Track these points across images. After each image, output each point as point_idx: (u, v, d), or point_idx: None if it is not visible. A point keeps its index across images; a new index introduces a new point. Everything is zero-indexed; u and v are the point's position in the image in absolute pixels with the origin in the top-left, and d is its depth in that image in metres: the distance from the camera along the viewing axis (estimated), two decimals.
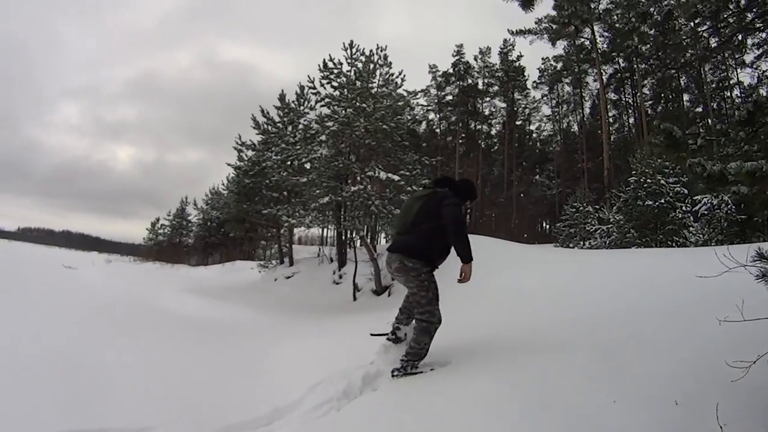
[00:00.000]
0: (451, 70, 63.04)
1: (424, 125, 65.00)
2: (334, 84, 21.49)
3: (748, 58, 50.32)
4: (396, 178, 18.66)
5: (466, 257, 5.85)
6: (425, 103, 64.09)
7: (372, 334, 7.20)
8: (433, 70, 63.51)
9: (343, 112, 19.83)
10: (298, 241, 64.08)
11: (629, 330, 6.03)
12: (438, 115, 65.50)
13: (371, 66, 21.63)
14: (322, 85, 21.79)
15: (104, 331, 9.57)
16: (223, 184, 46.66)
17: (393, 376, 5.99)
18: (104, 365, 7.25)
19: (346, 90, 20.99)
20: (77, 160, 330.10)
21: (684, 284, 7.96)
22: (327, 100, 21.26)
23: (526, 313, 9.07)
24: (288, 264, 27.11)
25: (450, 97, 64.15)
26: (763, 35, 49.25)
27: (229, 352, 9.52)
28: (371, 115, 19.85)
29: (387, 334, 6.75)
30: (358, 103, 19.97)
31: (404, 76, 22.17)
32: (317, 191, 19.72)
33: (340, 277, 21.40)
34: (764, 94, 27.85)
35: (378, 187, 19.41)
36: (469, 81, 63.50)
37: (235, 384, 7.36)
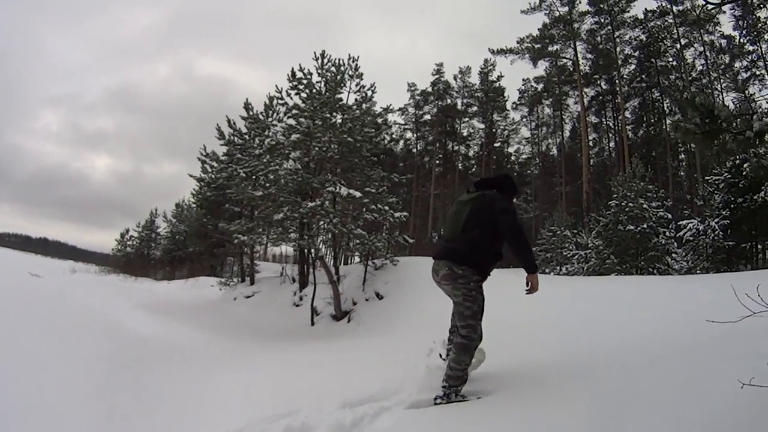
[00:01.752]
0: (429, 89, 62.41)
1: (401, 144, 65.19)
2: (303, 95, 20.25)
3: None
4: (357, 194, 17.52)
5: (531, 267, 5.56)
6: (402, 122, 64.09)
7: (442, 358, 6.38)
8: (412, 88, 62.89)
9: (306, 122, 18.63)
10: (272, 259, 63.07)
11: (629, 377, 5.03)
12: (415, 135, 65.07)
13: (341, 76, 20.59)
14: (288, 95, 20.69)
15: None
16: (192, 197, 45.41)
17: (436, 404, 5.50)
18: None
19: (313, 100, 19.79)
20: (56, 167, 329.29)
21: (688, 317, 7.43)
22: (294, 111, 20.01)
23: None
24: (249, 283, 25.67)
25: (428, 117, 63.70)
26: (752, 57, 50.37)
27: (155, 381, 8.53)
28: (337, 127, 18.99)
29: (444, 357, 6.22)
30: (324, 114, 19.04)
31: (375, 87, 21.23)
32: (272, 206, 18.41)
33: (301, 299, 20.25)
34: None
35: (352, 205, 18.46)
36: (448, 101, 62.90)
37: (140, 422, 6.54)
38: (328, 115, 19.07)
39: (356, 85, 21.00)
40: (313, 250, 19.55)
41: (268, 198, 18.53)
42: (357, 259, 19.68)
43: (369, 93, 21.09)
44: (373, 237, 19.14)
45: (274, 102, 22.45)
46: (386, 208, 18.21)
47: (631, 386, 4.63)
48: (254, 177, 20.68)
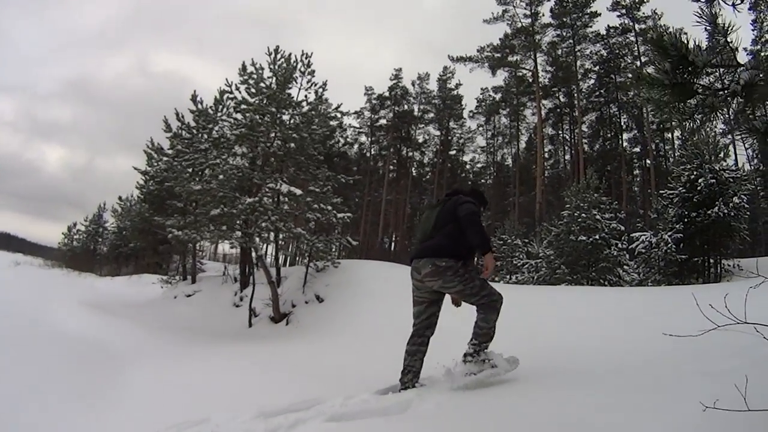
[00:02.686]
0: (387, 94, 62.08)
1: (355, 148, 64.88)
2: (253, 90, 19.52)
3: (693, 100, 49.80)
4: (298, 192, 17.16)
5: (484, 245, 5.70)
6: (358, 126, 63.79)
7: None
8: (369, 92, 62.50)
9: (253, 117, 18.06)
10: (222, 258, 62.32)
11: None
12: (370, 139, 64.58)
13: (291, 72, 19.91)
14: (238, 89, 20.00)
15: None
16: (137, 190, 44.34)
17: (465, 362, 5.70)
18: None
19: (260, 95, 19.14)
20: (8, 157, 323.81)
21: (647, 332, 7.30)
22: (243, 106, 19.25)
23: None
24: (190, 281, 24.96)
25: (383, 121, 63.42)
26: (711, 78, 50.82)
27: (72, 384, 8.08)
28: (284, 123, 18.66)
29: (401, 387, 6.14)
30: (270, 109, 18.51)
31: (326, 85, 20.72)
32: (211, 202, 17.68)
33: (241, 299, 19.71)
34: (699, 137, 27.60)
35: (294, 204, 17.84)
36: (405, 106, 62.72)
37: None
38: (274, 110, 18.61)
39: (307, 82, 20.43)
40: (252, 249, 18.94)
41: (207, 193, 17.82)
42: (307, 260, 19.01)
43: (320, 91, 20.58)
44: (314, 237, 18.55)
45: (225, 96, 21.68)
46: (329, 208, 17.69)
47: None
48: (199, 171, 20.08)
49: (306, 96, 20.43)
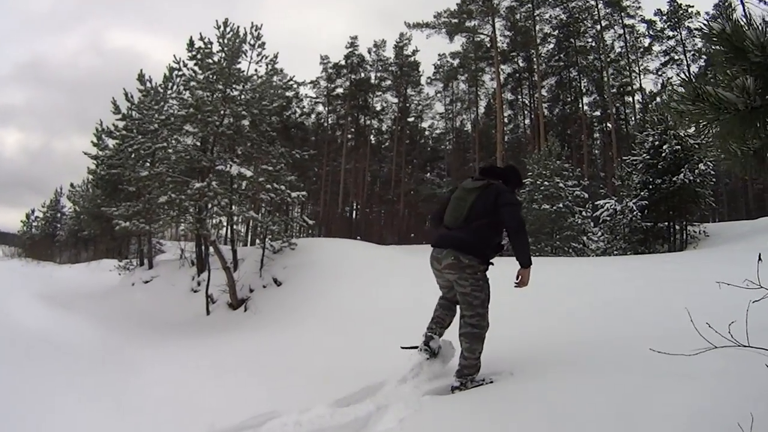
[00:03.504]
0: (343, 62, 61.58)
1: (312, 118, 64.28)
2: (202, 66, 18.59)
3: (654, 64, 51.66)
4: (248, 173, 16.22)
5: (526, 262, 5.53)
6: (314, 95, 63.22)
7: (402, 347, 6.35)
8: (325, 61, 61.86)
9: (200, 94, 17.18)
10: (184, 237, 61.73)
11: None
12: (327, 108, 64.00)
13: (240, 45, 18.94)
14: (185, 65, 19.05)
15: None
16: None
17: (453, 392, 5.45)
18: None
19: (207, 71, 18.19)
20: None
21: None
22: (192, 83, 18.36)
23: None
24: (147, 267, 24.13)
25: (340, 90, 62.74)
26: (672, 43, 51.28)
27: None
28: (233, 100, 17.68)
29: (418, 347, 6.05)
30: (218, 85, 17.55)
31: (277, 56, 19.82)
32: (159, 188, 16.90)
33: (198, 284, 18.80)
34: (661, 102, 27.54)
35: (246, 185, 16.82)
36: (362, 74, 62.26)
37: None
38: (221, 86, 17.77)
39: (258, 55, 19.48)
40: (203, 237, 18.24)
41: (156, 178, 17.02)
42: (263, 241, 18.32)
43: (270, 64, 19.68)
44: (268, 219, 17.85)
45: (174, 74, 20.74)
46: (283, 187, 16.94)
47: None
48: (147, 155, 19.25)
49: (256, 70, 19.64)
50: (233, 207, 16.48)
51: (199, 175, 17.42)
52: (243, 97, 18.10)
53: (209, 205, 16.24)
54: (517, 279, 5.60)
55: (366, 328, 9.99)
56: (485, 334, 5.61)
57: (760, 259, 3.27)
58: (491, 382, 5.50)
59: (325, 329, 10.83)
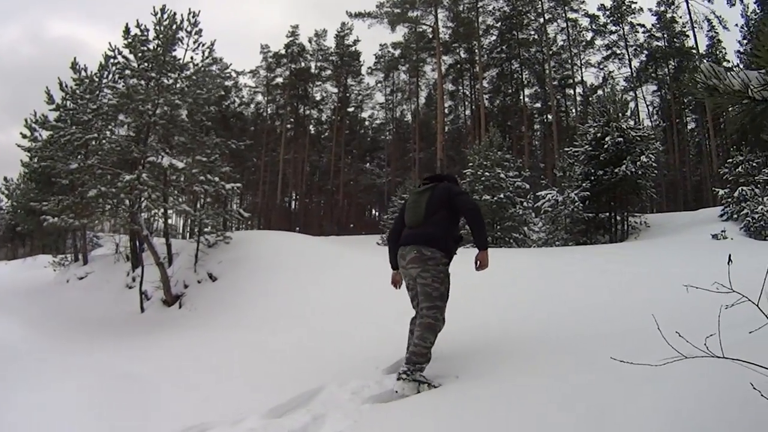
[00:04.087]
0: (283, 52, 61.06)
1: (252, 107, 63.80)
2: (136, 53, 17.93)
3: (595, 58, 52.72)
4: (180, 165, 15.64)
5: (484, 244, 5.73)
6: (253, 85, 62.65)
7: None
8: (265, 50, 61.33)
9: (133, 83, 16.59)
10: (120, 231, 60.73)
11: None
12: (266, 98, 63.45)
13: (175, 32, 18.24)
14: (120, 53, 18.21)
15: None
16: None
17: (399, 378, 5.35)
18: None
19: (140, 58, 17.57)
20: None
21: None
22: (127, 71, 17.71)
23: None
24: (82, 262, 23.40)
25: (280, 80, 62.27)
26: (614, 37, 52.02)
27: None
28: (168, 88, 17.06)
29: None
30: (151, 74, 16.91)
31: (214, 43, 19.05)
32: (90, 181, 16.23)
33: (134, 279, 18.16)
34: (603, 94, 28.06)
35: (181, 177, 16.31)
36: (302, 64, 61.87)
37: None
38: (154, 75, 17.12)
39: (194, 43, 18.74)
40: (133, 231, 17.64)
41: (87, 171, 16.36)
42: (197, 235, 17.75)
43: (207, 51, 18.91)
44: (201, 212, 17.29)
45: (109, 62, 20.03)
46: (217, 179, 16.41)
47: None
48: (79, 147, 18.54)
49: (192, 57, 18.91)
50: (166, 200, 15.96)
51: (131, 168, 16.83)
52: (178, 85, 17.54)
53: (141, 198, 15.62)
54: (476, 263, 5.73)
55: (304, 328, 9.68)
56: (440, 328, 5.61)
57: (730, 260, 2.99)
58: (439, 385, 5.37)
59: (261, 329, 10.46)
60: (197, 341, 10.75)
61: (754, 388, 2.51)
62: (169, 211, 17.84)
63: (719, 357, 2.74)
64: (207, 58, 18.88)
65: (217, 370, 7.91)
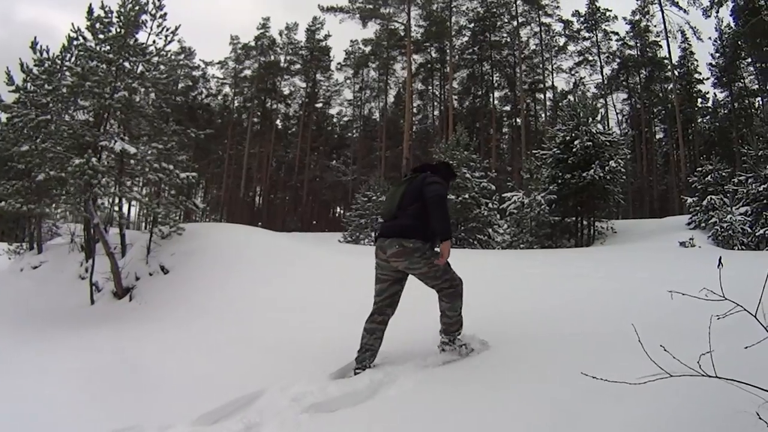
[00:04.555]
0: (253, 44, 60.58)
1: (219, 99, 63.19)
2: (96, 34, 17.36)
3: (567, 64, 53.53)
4: (132, 150, 14.99)
5: (446, 233, 5.61)
6: (221, 76, 62.16)
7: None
8: (234, 41, 60.79)
9: (91, 65, 15.98)
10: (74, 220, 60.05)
11: None
12: (233, 90, 62.87)
13: (138, 14, 17.61)
14: (80, 35, 17.56)
15: None
16: None
17: (442, 350, 5.66)
18: None
19: (99, 39, 16.95)
20: None
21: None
22: (84, 52, 17.11)
23: None
24: (37, 251, 22.83)
25: (249, 72, 61.76)
26: (587, 44, 52.28)
27: None
28: (127, 72, 16.41)
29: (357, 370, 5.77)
30: (109, 56, 16.24)
31: (178, 28, 18.04)
32: (41, 164, 15.64)
33: (87, 270, 17.38)
34: (573, 99, 28.13)
35: (136, 164, 15.72)
36: (272, 57, 61.50)
37: None
38: (112, 56, 16.39)
39: (158, 26, 18.09)
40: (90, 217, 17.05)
41: (38, 155, 15.78)
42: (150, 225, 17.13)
43: (171, 36, 18.33)
44: (154, 202, 16.78)
45: (72, 44, 19.47)
46: (171, 167, 15.86)
47: None
48: (34, 130, 17.97)
49: (155, 41, 18.28)
50: (118, 187, 15.41)
51: (86, 153, 16.29)
52: (137, 69, 16.94)
53: (91, 185, 15.04)
54: (438, 256, 5.66)
55: (254, 326, 9.21)
56: (461, 289, 5.71)
57: (720, 264, 2.86)
58: (473, 350, 5.64)
59: (210, 325, 9.83)
60: (143, 336, 10.07)
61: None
62: (122, 199, 17.21)
63: (711, 376, 2.65)
64: (170, 42, 18.37)
65: (157, 369, 7.33)
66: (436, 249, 5.77)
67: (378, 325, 5.88)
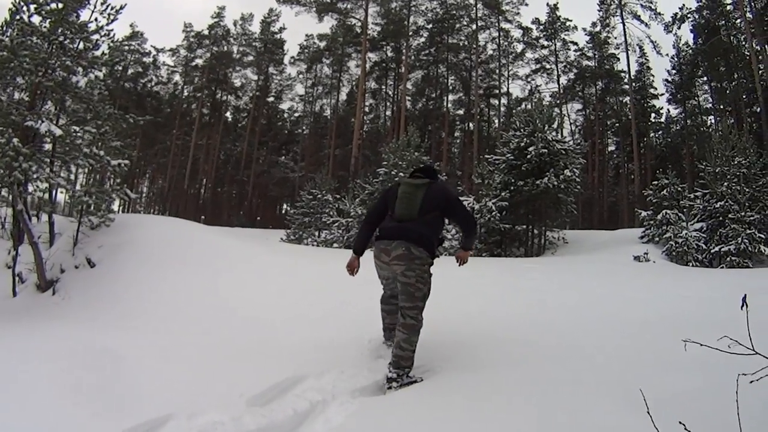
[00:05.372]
0: (206, 32, 59.83)
1: (169, 87, 62.22)
2: (40, 11, 16.37)
3: (524, 71, 54.17)
4: (58, 132, 14.02)
5: (470, 247, 6.27)
6: (172, 64, 61.28)
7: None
8: (188, 29, 59.95)
9: (23, 39, 15.05)
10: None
11: None
12: (184, 79, 61.91)
13: None
14: (22, 8, 16.57)
15: None
16: None
17: (389, 389, 5.30)
18: None
19: (42, 17, 16.00)
20: None
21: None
22: (19, 27, 16.15)
23: None
24: None
25: (200, 61, 60.98)
26: (545, 52, 52.42)
27: None
28: (65, 50, 15.43)
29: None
30: (42, 29, 15.35)
31: (123, 7, 17.07)
32: None
33: (14, 259, 16.42)
34: (530, 106, 28.03)
35: (70, 148, 14.74)
36: (225, 47, 60.79)
37: None
38: (47, 31, 15.33)
39: (102, 4, 17.15)
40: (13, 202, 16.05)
41: None
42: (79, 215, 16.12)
43: (114, 14, 17.34)
44: (81, 189, 15.81)
45: (14, 18, 18.43)
46: (102, 153, 14.90)
47: None
48: None
49: (97, 19, 17.31)
50: (44, 170, 14.43)
51: (19, 135, 15.29)
52: (75, 47, 15.95)
53: (12, 167, 14.05)
54: (458, 260, 6.18)
55: (172, 334, 8.20)
56: (420, 327, 5.61)
57: (744, 304, 2.45)
58: (421, 380, 5.47)
59: (125, 328, 8.86)
60: (63, 334, 9.08)
61: None
62: (49, 184, 16.21)
63: None
64: (113, 20, 17.46)
65: (66, 378, 6.39)
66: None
67: (395, 307, 5.93)
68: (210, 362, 6.01)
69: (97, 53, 16.50)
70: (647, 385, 3.08)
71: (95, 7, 16.69)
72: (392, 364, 5.49)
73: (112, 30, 17.11)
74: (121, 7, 17.18)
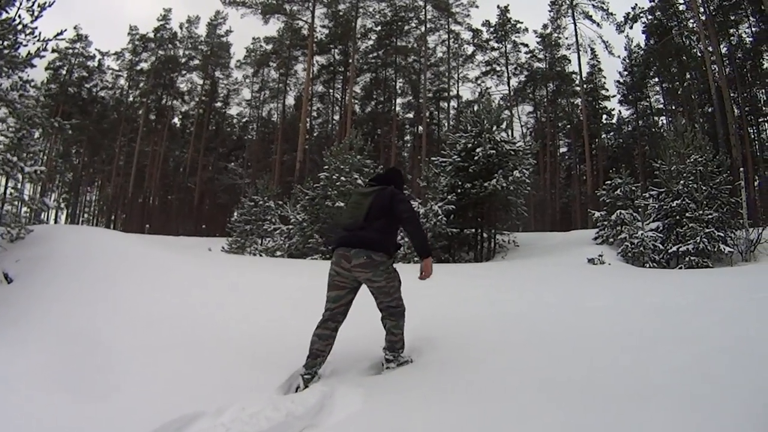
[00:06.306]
0: (152, 35, 58.80)
1: (114, 92, 60.80)
2: None
3: (474, 73, 54.30)
4: None
5: (426, 252, 5.96)
6: (117, 68, 60.03)
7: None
8: (133, 32, 58.76)
9: None
10: None
11: None
12: (129, 83, 60.70)
13: None
14: None
15: None
16: None
17: (387, 369, 5.81)
18: None
19: None
20: None
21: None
22: None
23: None
24: None
25: (146, 65, 59.84)
26: (495, 54, 52.31)
27: None
28: None
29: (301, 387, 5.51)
30: None
31: (52, 3, 16.21)
32: None
33: None
34: (477, 108, 27.61)
35: None
36: (171, 51, 59.82)
37: None
38: None
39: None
40: None
41: None
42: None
43: (38, 11, 16.39)
44: None
45: None
46: (15, 159, 13.95)
47: None
48: None
49: (20, 15, 16.33)
50: None
51: None
52: None
53: None
54: (421, 273, 5.87)
55: (85, 356, 7.05)
56: (404, 311, 5.91)
57: None
58: (412, 360, 5.86)
59: (41, 350, 7.96)
60: None
61: None
62: None
63: None
64: (37, 17, 16.50)
65: None
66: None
67: (331, 331, 5.87)
68: (109, 388, 5.13)
69: (23, 53, 15.68)
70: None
71: (21, 4, 15.88)
72: (387, 349, 5.84)
73: (36, 28, 16.31)
74: (50, 4, 16.34)
